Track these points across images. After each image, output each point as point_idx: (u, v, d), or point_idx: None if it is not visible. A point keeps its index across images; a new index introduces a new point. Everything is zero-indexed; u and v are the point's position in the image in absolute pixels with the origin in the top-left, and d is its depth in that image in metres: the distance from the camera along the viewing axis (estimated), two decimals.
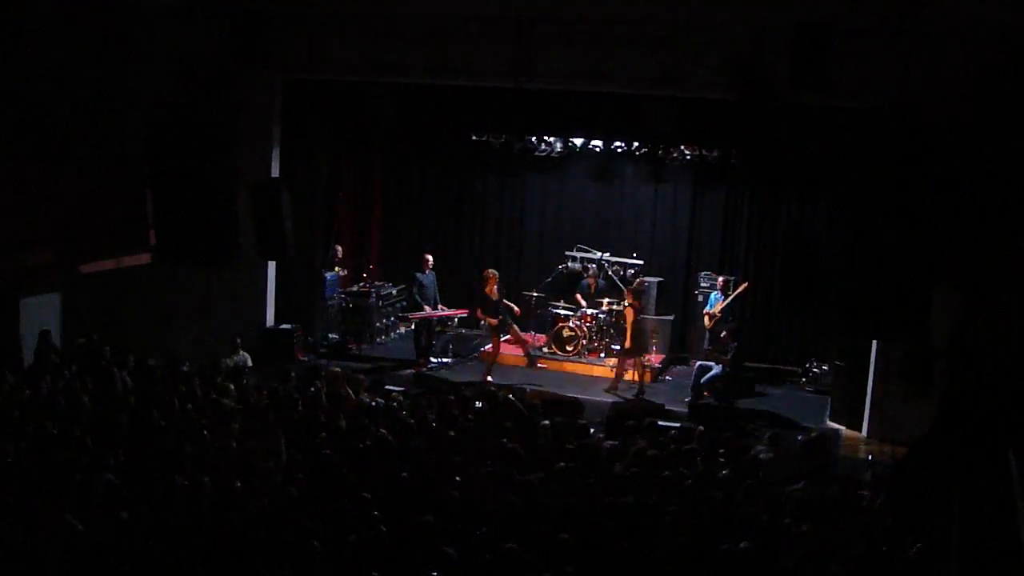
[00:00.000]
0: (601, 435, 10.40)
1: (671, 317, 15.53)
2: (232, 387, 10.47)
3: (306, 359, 14.33)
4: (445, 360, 14.94)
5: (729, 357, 13.13)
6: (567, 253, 15.96)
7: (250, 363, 12.70)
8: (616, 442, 9.74)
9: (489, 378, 13.57)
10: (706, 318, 14.73)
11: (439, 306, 15.20)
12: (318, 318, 15.66)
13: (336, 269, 16.09)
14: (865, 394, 12.48)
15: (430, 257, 15.26)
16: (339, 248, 16.19)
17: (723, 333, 13.65)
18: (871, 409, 12.38)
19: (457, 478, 8.14)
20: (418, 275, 15.15)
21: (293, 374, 11.74)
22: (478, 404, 10.74)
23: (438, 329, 15.41)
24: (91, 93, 12.44)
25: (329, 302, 15.89)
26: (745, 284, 14.64)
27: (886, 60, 10.96)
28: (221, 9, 12.80)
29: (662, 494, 7.95)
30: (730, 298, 14.59)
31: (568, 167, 16.65)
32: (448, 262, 16.25)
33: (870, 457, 10.98)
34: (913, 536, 7.32)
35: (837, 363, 13.60)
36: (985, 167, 11.05)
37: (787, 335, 15.42)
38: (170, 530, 6.89)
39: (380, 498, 7.50)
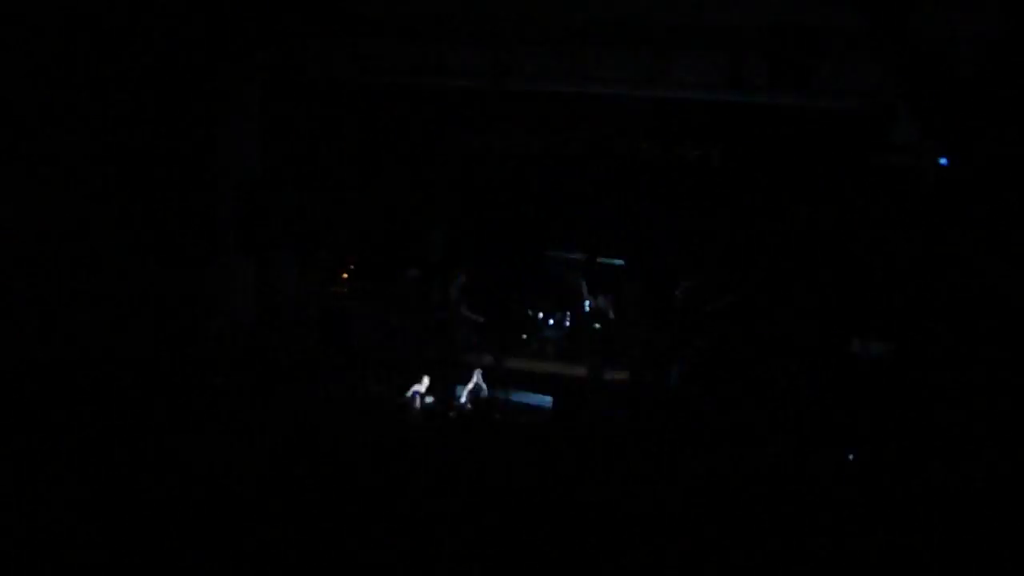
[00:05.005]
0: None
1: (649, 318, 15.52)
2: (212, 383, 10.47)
3: (287, 355, 14.27)
4: None
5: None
6: (547, 253, 15.95)
7: (232, 358, 12.67)
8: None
9: None
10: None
11: None
12: (298, 315, 15.58)
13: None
14: None
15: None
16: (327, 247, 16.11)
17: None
18: None
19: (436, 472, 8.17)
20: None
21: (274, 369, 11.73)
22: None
23: None
24: (72, 89, 12.38)
25: (308, 299, 15.81)
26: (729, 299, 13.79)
27: (866, 63, 11.08)
28: (203, 6, 12.79)
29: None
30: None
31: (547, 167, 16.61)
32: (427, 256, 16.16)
33: None
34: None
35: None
36: (962, 170, 11.18)
37: (764, 333, 15.38)
38: (148, 522, 6.90)
39: (361, 492, 7.53)
